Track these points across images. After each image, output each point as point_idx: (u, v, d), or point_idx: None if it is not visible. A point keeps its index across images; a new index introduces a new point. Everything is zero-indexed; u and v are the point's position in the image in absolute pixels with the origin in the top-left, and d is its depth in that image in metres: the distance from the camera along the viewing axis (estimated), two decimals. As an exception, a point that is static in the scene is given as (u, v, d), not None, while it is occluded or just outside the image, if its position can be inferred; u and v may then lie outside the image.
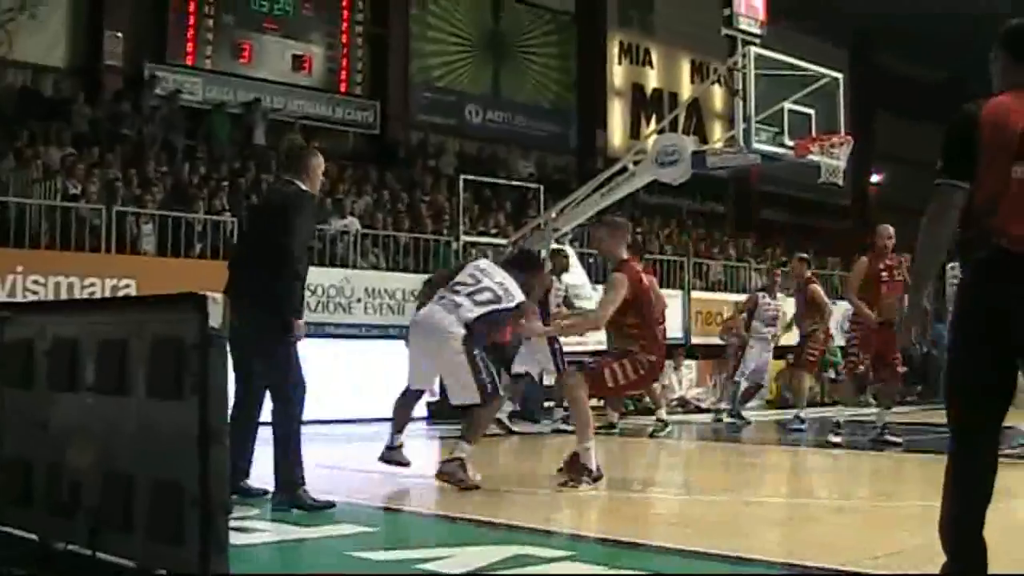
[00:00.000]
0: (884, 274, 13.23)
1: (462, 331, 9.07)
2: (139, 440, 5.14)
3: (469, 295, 9.30)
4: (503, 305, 9.37)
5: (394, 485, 9.60)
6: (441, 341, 9.15)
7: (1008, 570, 5.69)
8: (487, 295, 9.33)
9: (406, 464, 9.86)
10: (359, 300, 18.09)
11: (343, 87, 27.56)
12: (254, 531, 6.77)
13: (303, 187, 8.19)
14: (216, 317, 4.71)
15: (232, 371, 7.54)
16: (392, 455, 9.85)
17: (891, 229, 13.61)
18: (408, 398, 10.05)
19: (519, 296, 9.49)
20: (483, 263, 10.15)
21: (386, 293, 18.46)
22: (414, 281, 19.20)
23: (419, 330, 9.48)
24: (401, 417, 10.03)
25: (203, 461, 4.65)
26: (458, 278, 9.53)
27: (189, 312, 4.75)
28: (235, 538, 5.49)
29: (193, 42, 24.84)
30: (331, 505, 7.73)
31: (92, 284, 15.84)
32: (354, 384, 16.73)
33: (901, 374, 14.45)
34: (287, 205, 7.96)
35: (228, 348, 8.10)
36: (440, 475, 9.01)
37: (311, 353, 16.99)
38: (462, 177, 21.89)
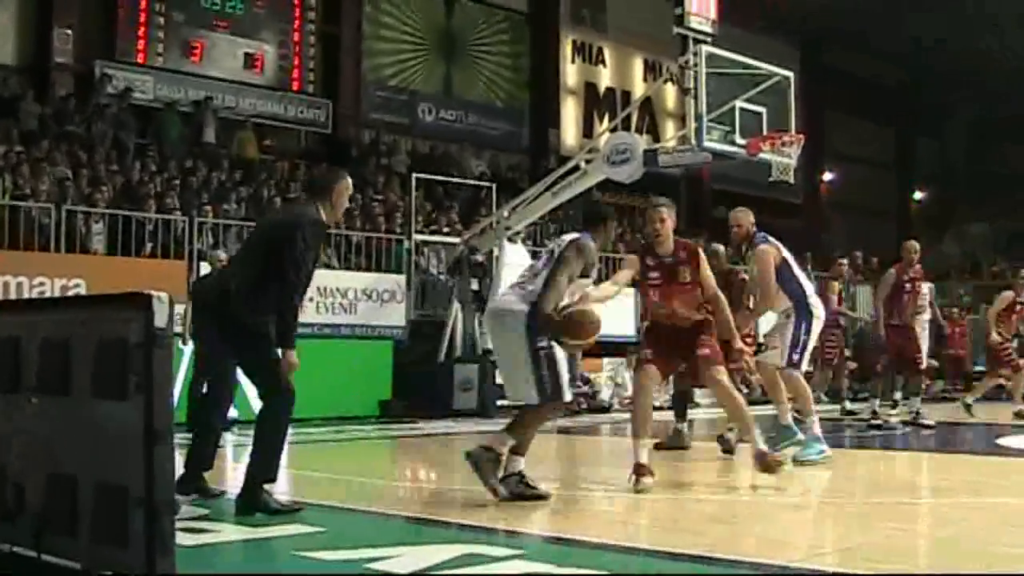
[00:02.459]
0: (907, 284, 15.18)
1: (525, 308, 8.18)
2: (83, 441, 5.09)
3: (535, 273, 8.47)
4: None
5: (342, 485, 9.57)
6: (505, 325, 8.31)
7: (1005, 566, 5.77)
8: (543, 259, 8.56)
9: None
10: (311, 299, 17.93)
11: (295, 85, 27.50)
12: (202, 531, 6.73)
13: (320, 215, 7.76)
14: (161, 317, 4.68)
15: (198, 370, 7.59)
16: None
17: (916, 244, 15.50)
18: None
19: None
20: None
21: (338, 292, 18.41)
22: (366, 280, 19.21)
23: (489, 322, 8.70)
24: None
25: (148, 461, 4.62)
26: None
27: (134, 312, 4.71)
28: (182, 539, 5.47)
29: (144, 40, 24.72)
30: (298, 509, 7.58)
31: (41, 284, 15.73)
32: (305, 383, 16.68)
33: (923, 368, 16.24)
34: (299, 228, 7.54)
35: (201, 346, 8.00)
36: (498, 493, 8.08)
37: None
38: (414, 176, 21.90)
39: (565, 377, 8.18)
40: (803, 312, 10.71)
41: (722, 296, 9.51)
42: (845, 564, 6.08)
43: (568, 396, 8.32)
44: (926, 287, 17.04)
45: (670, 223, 9.36)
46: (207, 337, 9.17)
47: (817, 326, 10.83)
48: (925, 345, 17.43)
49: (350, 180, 8.12)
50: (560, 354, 8.17)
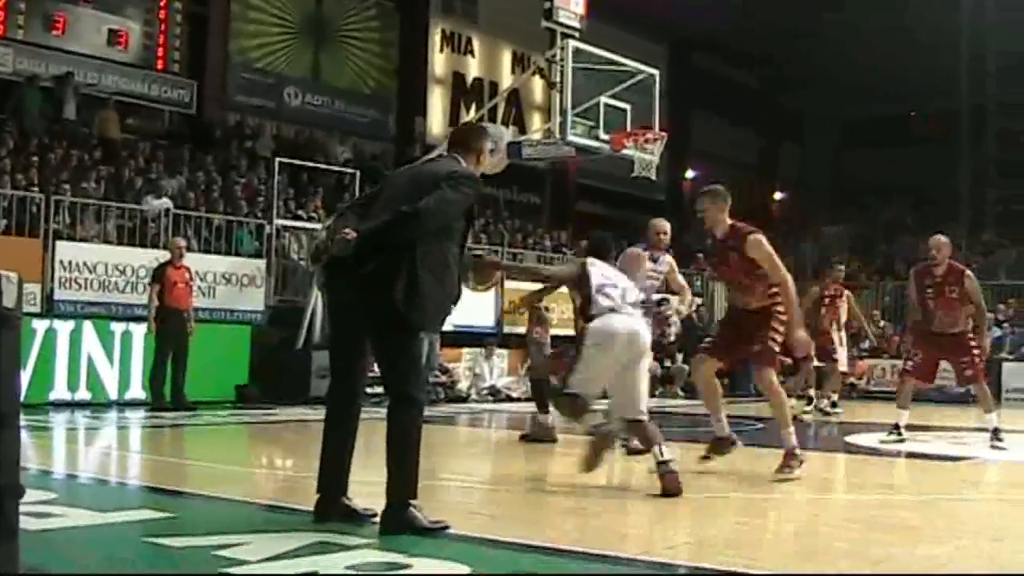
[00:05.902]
0: (930, 290, 12.83)
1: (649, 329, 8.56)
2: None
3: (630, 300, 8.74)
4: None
5: (195, 470, 9.49)
6: (643, 354, 8.58)
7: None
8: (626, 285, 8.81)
9: None
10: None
11: (160, 64, 27.08)
12: (48, 516, 6.63)
13: (464, 165, 6.89)
14: (10, 297, 4.59)
15: (333, 361, 6.89)
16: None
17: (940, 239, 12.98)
18: None
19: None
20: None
21: (198, 275, 18.15)
22: (226, 264, 19.02)
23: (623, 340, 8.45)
24: None
25: (-8, 444, 4.53)
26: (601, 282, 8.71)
27: (-20, 291, 4.62)
28: (27, 523, 5.37)
29: (4, 11, 24.16)
30: (446, 527, 6.54)
31: None
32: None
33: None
34: (439, 182, 6.58)
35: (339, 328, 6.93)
36: None
37: (119, 335, 16.76)
38: (278, 160, 21.71)
39: None
40: None
41: None
42: (692, 557, 6.20)
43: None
44: None
45: None
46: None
47: None
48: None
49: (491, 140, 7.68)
50: None
